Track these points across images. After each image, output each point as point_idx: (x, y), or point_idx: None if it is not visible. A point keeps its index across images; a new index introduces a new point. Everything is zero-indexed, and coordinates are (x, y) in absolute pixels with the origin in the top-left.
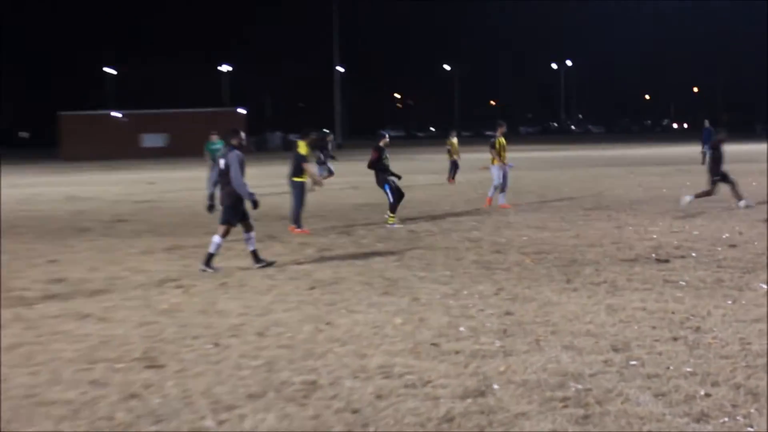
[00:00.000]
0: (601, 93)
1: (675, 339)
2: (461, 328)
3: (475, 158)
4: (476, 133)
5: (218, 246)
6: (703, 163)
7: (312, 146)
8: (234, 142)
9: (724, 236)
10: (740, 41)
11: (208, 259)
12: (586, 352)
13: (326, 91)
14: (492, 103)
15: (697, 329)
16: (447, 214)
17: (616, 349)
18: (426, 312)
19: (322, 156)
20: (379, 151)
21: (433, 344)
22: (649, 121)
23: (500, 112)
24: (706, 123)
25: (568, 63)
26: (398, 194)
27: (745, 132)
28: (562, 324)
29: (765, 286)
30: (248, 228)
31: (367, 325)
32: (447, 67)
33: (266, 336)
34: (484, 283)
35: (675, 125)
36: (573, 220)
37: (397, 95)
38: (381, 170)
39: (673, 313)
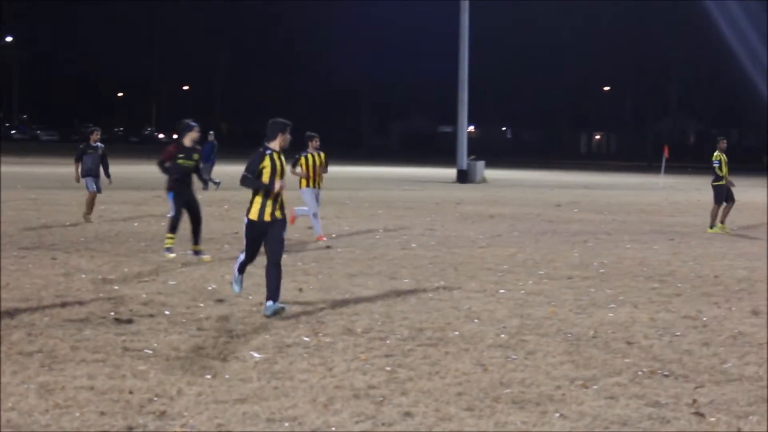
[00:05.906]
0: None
1: (130, 429)
2: None
3: None
4: None
5: None
6: (204, 188)
7: None
8: None
9: (209, 287)
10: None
11: None
12: None
13: None
14: None
15: (162, 415)
16: None
17: None
18: None
19: None
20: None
21: None
22: (121, 129)
23: None
24: (211, 135)
25: (9, 39)
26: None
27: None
28: None
29: (256, 355)
30: None
31: None
32: None
33: None
34: None
35: (161, 135)
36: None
37: None
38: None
39: (131, 393)
